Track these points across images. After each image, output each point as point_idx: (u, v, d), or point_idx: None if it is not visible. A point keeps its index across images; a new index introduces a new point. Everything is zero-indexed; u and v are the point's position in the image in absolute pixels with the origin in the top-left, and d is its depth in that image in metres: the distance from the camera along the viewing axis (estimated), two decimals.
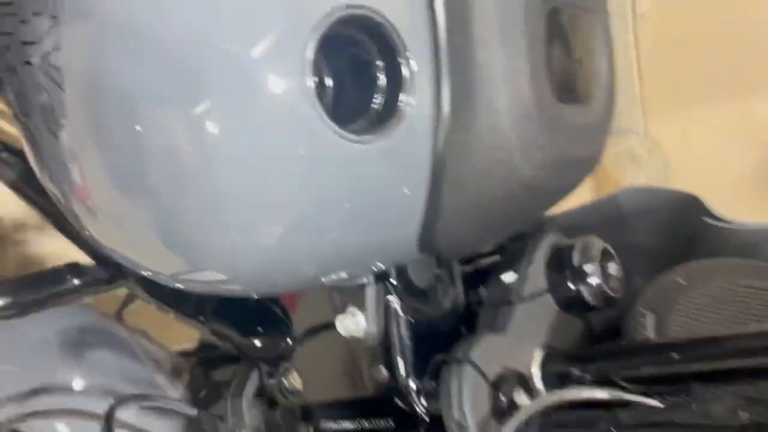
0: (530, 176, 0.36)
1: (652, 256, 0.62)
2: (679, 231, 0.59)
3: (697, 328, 0.48)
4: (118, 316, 0.81)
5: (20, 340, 0.72)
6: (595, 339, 0.55)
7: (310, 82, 0.30)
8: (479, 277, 0.55)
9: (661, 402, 0.42)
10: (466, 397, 0.42)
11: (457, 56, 0.33)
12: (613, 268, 0.53)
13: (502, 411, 0.43)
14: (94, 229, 0.37)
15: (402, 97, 0.32)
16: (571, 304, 0.52)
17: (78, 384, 0.70)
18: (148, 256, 0.37)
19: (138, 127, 0.31)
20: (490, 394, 0.44)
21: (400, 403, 0.46)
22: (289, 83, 0.30)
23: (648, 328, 0.48)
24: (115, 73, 0.32)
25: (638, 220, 0.62)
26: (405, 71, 0.32)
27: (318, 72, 0.32)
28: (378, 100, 0.32)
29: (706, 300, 0.50)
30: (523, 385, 0.45)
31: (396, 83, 0.32)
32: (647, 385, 0.44)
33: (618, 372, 0.45)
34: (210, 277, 0.37)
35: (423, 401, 0.45)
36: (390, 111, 0.32)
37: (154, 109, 0.31)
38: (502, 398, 0.44)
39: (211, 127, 0.30)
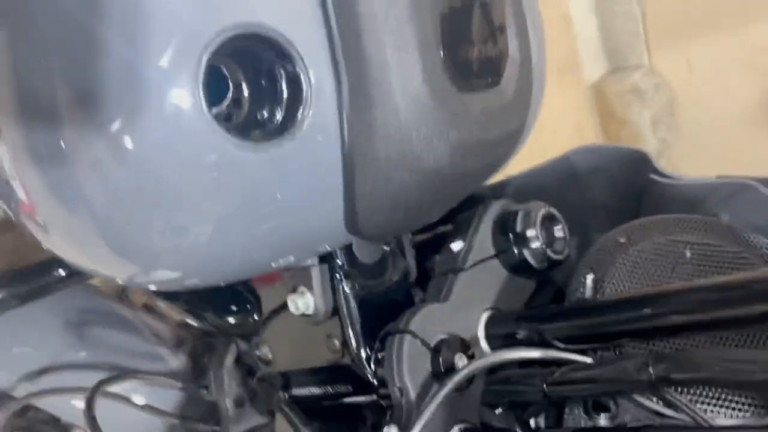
0: (434, 165, 0.38)
1: (608, 212, 0.64)
2: (630, 187, 0.61)
3: (631, 286, 0.50)
4: (121, 295, 0.87)
5: (30, 322, 0.78)
6: (555, 298, 0.58)
7: (202, 98, 0.32)
8: (436, 245, 0.58)
9: (593, 359, 0.45)
10: (405, 364, 0.46)
11: (353, 58, 0.36)
12: (558, 230, 0.55)
13: (442, 374, 0.47)
14: (47, 242, 0.40)
15: (302, 105, 0.35)
16: (518, 268, 0.55)
17: (85, 361, 0.76)
18: (101, 264, 0.40)
19: (62, 144, 0.34)
20: (431, 359, 0.47)
21: (354, 370, 0.50)
22: (185, 100, 0.32)
23: (587, 288, 0.50)
24: (34, 90, 0.34)
25: (591, 178, 0.63)
26: (303, 80, 0.35)
27: (220, 86, 0.35)
28: (279, 110, 0.35)
29: (643, 257, 0.52)
30: (465, 349, 0.49)
31: (296, 92, 0.35)
32: (587, 343, 0.47)
33: (555, 332, 0.48)
34: (165, 277, 0.40)
35: (373, 368, 0.49)
36: (291, 119, 0.35)
37: (71, 126, 0.34)
38: (442, 363, 0.47)
39: (125, 142, 0.33)
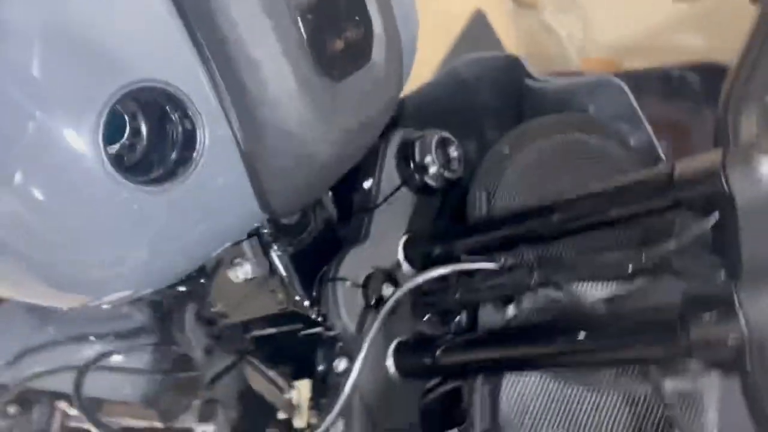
0: (327, 152, 0.44)
1: (496, 114, 0.70)
2: (510, 89, 0.67)
3: (520, 191, 0.58)
4: None
5: None
6: (455, 209, 0.66)
7: (99, 145, 0.35)
8: (348, 182, 0.64)
9: (496, 264, 0.54)
10: (342, 306, 0.54)
11: (231, 81, 0.39)
12: (452, 151, 0.62)
13: (373, 306, 0.55)
14: None
15: (197, 141, 0.39)
16: (422, 191, 0.62)
17: (54, 337, 0.82)
18: (51, 300, 0.45)
19: None
20: (362, 293, 0.56)
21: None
22: (84, 147, 0.35)
23: (482, 201, 0.58)
24: None
25: (476, 84, 0.69)
26: (195, 120, 0.38)
27: (117, 132, 0.38)
28: (174, 151, 0.39)
29: (528, 164, 0.59)
30: (390, 278, 0.57)
31: (188, 132, 0.39)
32: (489, 252, 0.55)
33: (463, 247, 0.56)
34: (118, 297, 0.45)
35: (316, 311, 0.57)
36: (186, 156, 0.39)
37: None
38: (372, 295, 0.55)
39: (34, 193, 0.36)
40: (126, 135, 0.40)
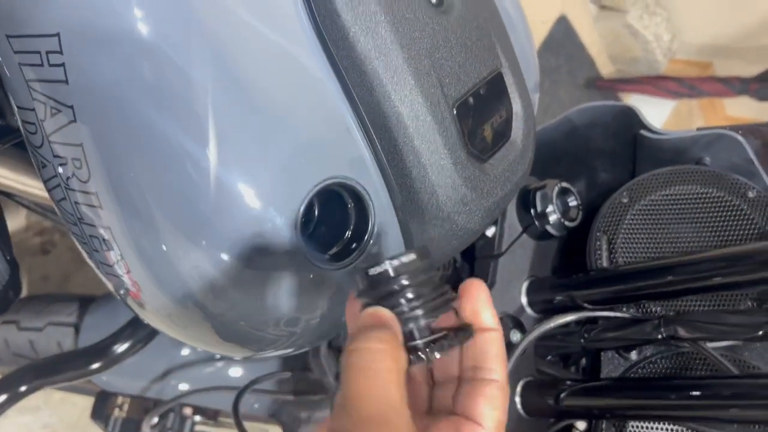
0: (473, 228, 0.49)
1: (609, 155, 0.74)
2: (624, 135, 0.70)
3: (640, 240, 0.62)
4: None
5: None
6: (570, 250, 0.70)
7: (297, 231, 0.42)
8: None
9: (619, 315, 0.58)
10: None
11: (399, 174, 0.45)
12: (571, 201, 0.66)
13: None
14: (156, 326, 0.49)
15: (369, 225, 0.45)
16: (542, 237, 0.66)
17: (198, 357, 0.91)
18: (212, 347, 0.49)
19: (164, 247, 0.42)
20: None
21: None
22: (285, 232, 0.41)
23: (603, 250, 0.62)
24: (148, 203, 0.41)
25: (589, 130, 0.73)
26: (367, 208, 0.45)
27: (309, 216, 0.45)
28: (348, 232, 0.45)
29: (647, 213, 0.63)
30: (516, 323, 0.62)
31: (360, 216, 0.45)
32: (611, 304, 0.59)
33: (584, 297, 0.60)
34: (280, 353, 0.51)
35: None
36: (359, 237, 0.45)
37: (184, 246, 0.41)
38: None
39: (231, 258, 0.41)
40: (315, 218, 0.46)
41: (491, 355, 0.37)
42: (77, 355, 0.73)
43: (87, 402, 1.08)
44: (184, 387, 0.90)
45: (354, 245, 0.45)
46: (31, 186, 0.76)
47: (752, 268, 0.48)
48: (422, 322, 0.35)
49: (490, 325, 0.38)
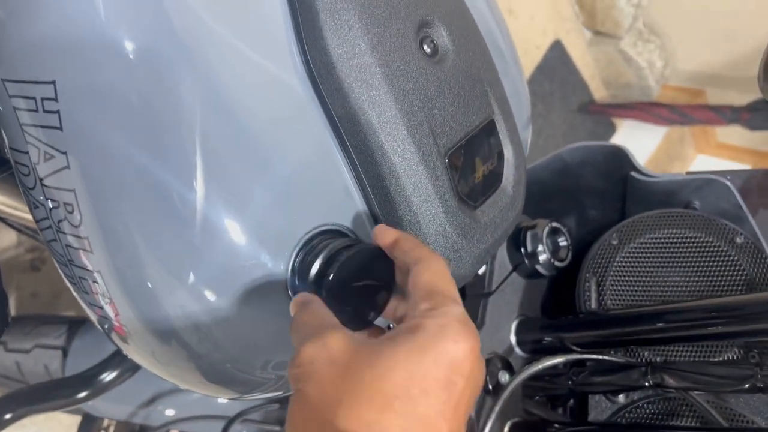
0: (468, 272, 0.49)
1: (599, 193, 0.74)
2: (614, 174, 0.71)
3: (628, 282, 0.62)
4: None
5: None
6: (559, 288, 0.70)
7: (289, 275, 0.42)
8: None
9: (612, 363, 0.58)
10: None
11: (394, 225, 0.45)
12: (561, 241, 0.67)
13: (491, 390, 0.60)
14: (140, 362, 0.48)
15: None
16: (531, 276, 0.67)
17: None
18: (196, 387, 0.48)
19: (149, 284, 0.41)
20: None
21: None
22: (278, 277, 0.42)
23: (592, 292, 0.62)
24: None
25: (580, 168, 0.73)
26: None
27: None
28: None
29: (636, 255, 0.63)
30: (505, 364, 0.62)
31: None
32: (599, 347, 0.59)
33: (573, 339, 0.61)
34: (267, 396, 0.52)
35: None
36: None
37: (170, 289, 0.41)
38: (489, 382, 0.60)
39: (218, 300, 0.41)
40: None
41: (409, 254, 0.38)
42: (64, 383, 0.73)
43: (73, 420, 1.08)
44: (171, 413, 0.89)
45: None
46: (21, 210, 0.76)
47: (741, 320, 0.49)
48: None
49: (388, 240, 0.40)
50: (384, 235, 0.41)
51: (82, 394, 0.73)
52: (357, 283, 0.41)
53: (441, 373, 0.30)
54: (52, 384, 0.74)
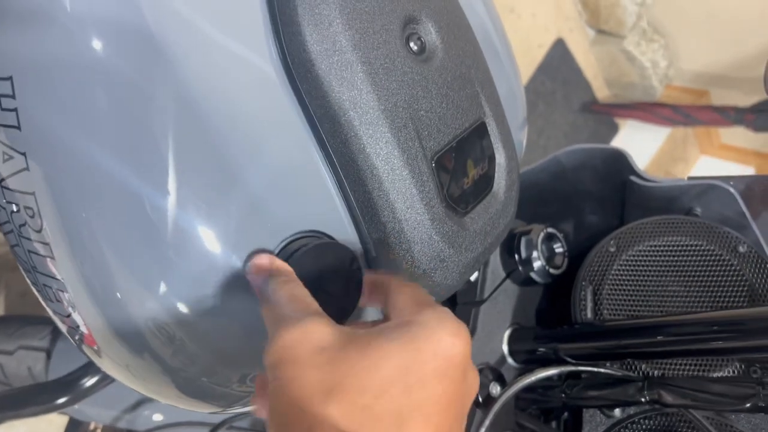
0: (456, 281, 0.47)
1: (596, 198, 0.72)
2: (613, 178, 0.68)
3: (626, 291, 0.60)
4: None
5: None
6: (554, 296, 0.68)
7: None
8: None
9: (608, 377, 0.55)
10: None
11: (375, 228, 0.43)
12: (557, 247, 0.64)
13: (482, 403, 0.58)
14: (112, 374, 0.46)
15: None
16: (525, 283, 0.64)
17: None
18: (173, 401, 0.46)
19: (118, 294, 0.38)
20: None
21: None
22: None
23: (588, 301, 0.60)
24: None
25: (578, 172, 0.71)
26: None
27: None
28: None
29: (634, 263, 0.61)
30: (496, 375, 0.59)
31: None
32: (595, 359, 0.57)
33: (567, 350, 0.58)
34: (244, 410, 0.50)
35: None
36: None
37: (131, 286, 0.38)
38: (480, 394, 0.58)
39: (192, 315, 0.39)
40: None
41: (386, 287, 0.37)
42: (43, 388, 0.70)
43: (63, 420, 1.05)
44: (158, 418, 0.87)
45: None
46: None
47: (743, 335, 0.46)
48: None
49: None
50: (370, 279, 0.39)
51: (62, 400, 0.70)
52: (325, 273, 0.38)
53: (439, 364, 0.29)
54: (31, 389, 0.71)
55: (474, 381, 0.32)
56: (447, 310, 0.32)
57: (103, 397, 0.80)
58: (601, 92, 2.19)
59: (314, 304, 0.34)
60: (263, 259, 0.38)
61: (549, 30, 2.00)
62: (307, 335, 0.30)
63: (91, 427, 1.03)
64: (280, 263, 0.38)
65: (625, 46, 2.04)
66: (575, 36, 2.07)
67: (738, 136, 2.04)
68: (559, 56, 2.04)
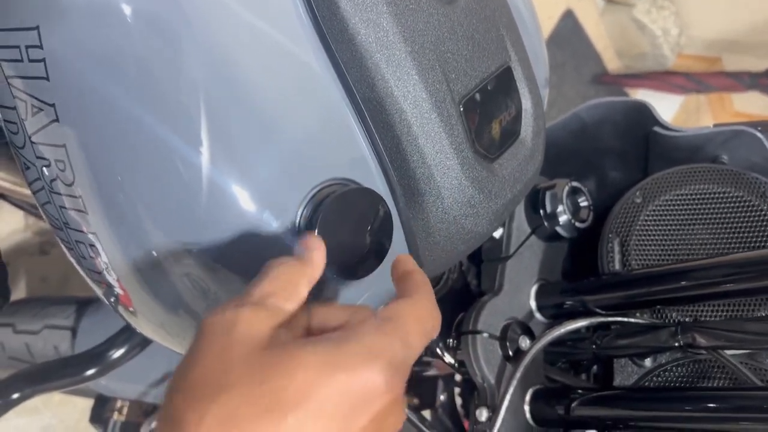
0: (485, 228, 0.46)
1: (618, 154, 0.71)
2: (635, 133, 0.68)
3: (654, 242, 0.59)
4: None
5: None
6: (580, 251, 0.67)
7: (298, 233, 0.39)
8: None
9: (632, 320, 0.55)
10: (482, 357, 0.57)
11: (403, 174, 0.43)
12: (582, 201, 0.63)
13: (512, 357, 0.57)
14: (146, 333, 0.47)
15: None
16: (551, 238, 0.64)
17: None
18: None
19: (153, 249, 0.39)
20: (500, 345, 0.58)
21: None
22: (282, 233, 0.39)
23: (615, 252, 0.59)
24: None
25: (599, 128, 0.70)
26: None
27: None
28: None
29: (662, 213, 0.60)
30: (525, 329, 0.59)
31: None
32: (624, 309, 0.56)
33: (596, 302, 0.58)
34: None
35: (452, 356, 0.60)
36: None
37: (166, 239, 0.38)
38: (510, 347, 0.58)
39: (218, 263, 0.38)
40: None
41: (409, 288, 0.35)
42: (71, 361, 0.71)
43: (87, 404, 1.06)
44: None
45: None
46: (24, 185, 0.74)
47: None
48: None
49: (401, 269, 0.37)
50: (400, 263, 0.37)
51: (90, 372, 0.71)
52: (355, 219, 0.38)
53: (346, 400, 0.27)
54: (60, 362, 0.72)
55: (393, 428, 0.29)
56: (399, 347, 0.29)
57: (128, 372, 0.81)
58: (612, 63, 2.16)
59: (291, 305, 0.32)
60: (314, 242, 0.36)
61: (558, 1, 1.98)
62: (243, 324, 0.29)
63: (118, 405, 1.04)
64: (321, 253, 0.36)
65: (635, 14, 2.01)
66: (584, 6, 2.05)
67: (751, 102, 2.02)
68: (568, 28, 2.02)
